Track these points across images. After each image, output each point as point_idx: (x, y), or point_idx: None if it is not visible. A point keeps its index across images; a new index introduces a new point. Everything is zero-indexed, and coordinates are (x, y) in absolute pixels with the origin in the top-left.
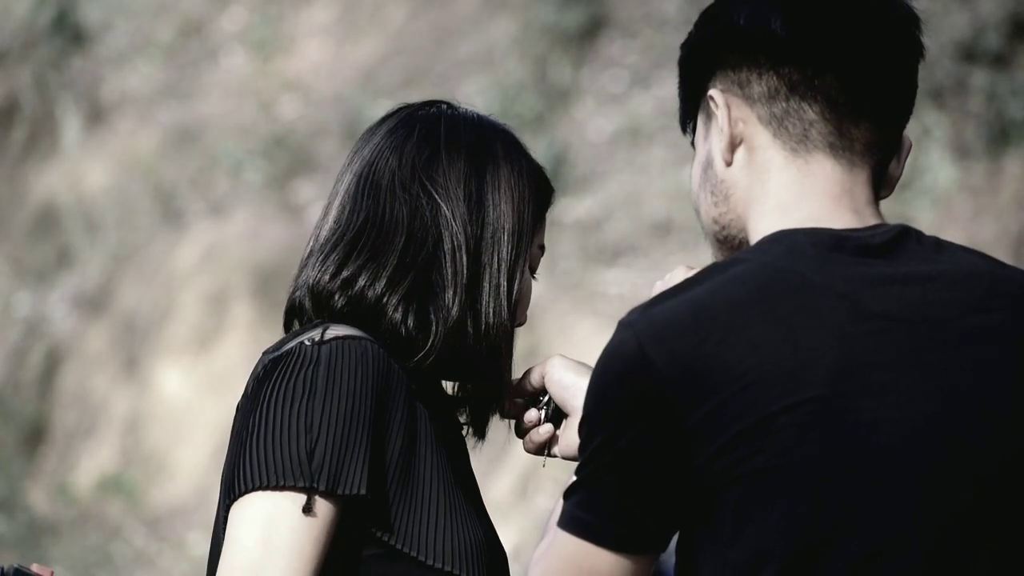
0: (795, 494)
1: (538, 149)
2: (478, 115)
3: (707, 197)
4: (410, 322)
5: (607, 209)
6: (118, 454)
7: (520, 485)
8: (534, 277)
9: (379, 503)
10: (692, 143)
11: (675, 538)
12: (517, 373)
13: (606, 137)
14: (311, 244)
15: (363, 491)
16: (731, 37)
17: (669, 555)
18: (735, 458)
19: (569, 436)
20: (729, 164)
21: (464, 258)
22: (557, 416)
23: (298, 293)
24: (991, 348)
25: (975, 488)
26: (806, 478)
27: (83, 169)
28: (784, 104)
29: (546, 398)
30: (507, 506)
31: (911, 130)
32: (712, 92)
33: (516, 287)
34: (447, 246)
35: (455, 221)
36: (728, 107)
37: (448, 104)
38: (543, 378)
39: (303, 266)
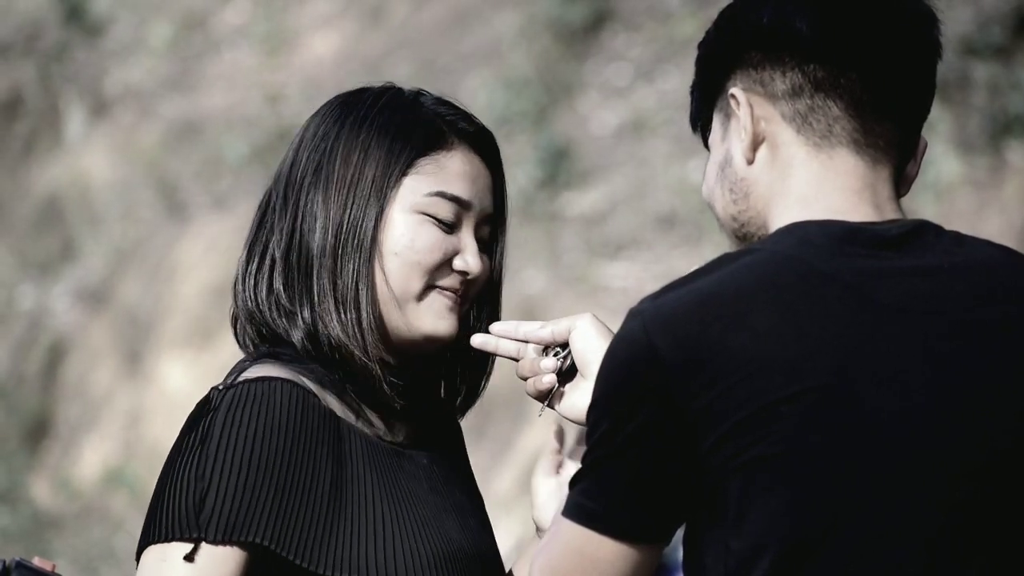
0: (796, 482)
1: (541, 143)
2: (379, 89)
3: (724, 195)
4: (280, 318)
5: (611, 203)
6: (121, 447)
7: (523, 479)
8: (446, 228)
9: (307, 542)
10: (705, 141)
11: (681, 531)
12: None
13: (610, 131)
14: None
15: (263, 541)
16: (754, 36)
17: (674, 548)
18: (738, 446)
19: (574, 396)
20: (751, 162)
21: (294, 236)
22: (571, 371)
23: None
24: (1001, 340)
25: (976, 479)
26: (808, 466)
27: (86, 162)
28: (809, 101)
29: (566, 351)
30: (510, 499)
31: None
32: (734, 91)
33: (365, 245)
34: (283, 228)
35: (277, 198)
36: (751, 106)
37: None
38: (569, 333)
39: None
